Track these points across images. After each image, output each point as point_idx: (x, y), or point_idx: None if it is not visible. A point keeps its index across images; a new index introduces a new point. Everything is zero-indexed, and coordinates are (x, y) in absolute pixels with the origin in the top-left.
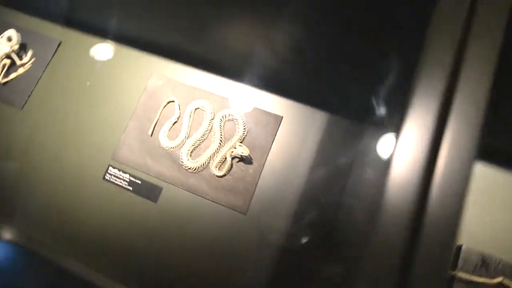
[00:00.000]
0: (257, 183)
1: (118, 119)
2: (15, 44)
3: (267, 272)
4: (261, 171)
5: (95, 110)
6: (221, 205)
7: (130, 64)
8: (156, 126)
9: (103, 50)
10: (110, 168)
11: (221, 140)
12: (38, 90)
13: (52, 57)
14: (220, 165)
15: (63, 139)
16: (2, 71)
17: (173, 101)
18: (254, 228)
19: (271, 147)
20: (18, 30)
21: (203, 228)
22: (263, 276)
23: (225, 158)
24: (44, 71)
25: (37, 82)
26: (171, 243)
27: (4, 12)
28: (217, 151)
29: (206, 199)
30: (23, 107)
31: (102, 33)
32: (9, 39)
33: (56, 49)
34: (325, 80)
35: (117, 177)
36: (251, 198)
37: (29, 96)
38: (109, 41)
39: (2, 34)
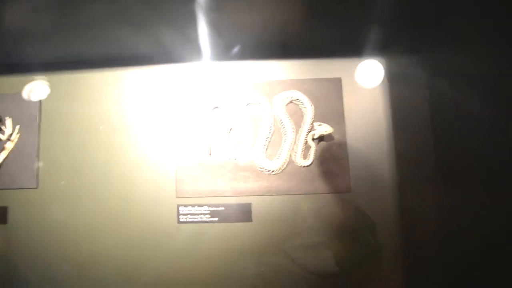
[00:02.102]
0: (347, 155)
1: (160, 152)
2: None
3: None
4: (346, 141)
5: (127, 154)
6: (323, 193)
7: (120, 85)
8: (209, 143)
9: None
10: (181, 208)
11: (293, 127)
12: (46, 158)
13: (40, 114)
14: (304, 154)
15: (110, 201)
16: None
17: (217, 108)
18: (361, 201)
19: (344, 114)
20: None
21: (315, 224)
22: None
23: (307, 145)
24: (39, 134)
25: (38, 148)
26: (291, 255)
27: None
28: (294, 140)
29: (305, 194)
30: (37, 185)
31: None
32: None
33: (40, 103)
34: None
35: (194, 214)
36: (349, 173)
37: (38, 169)
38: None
39: None
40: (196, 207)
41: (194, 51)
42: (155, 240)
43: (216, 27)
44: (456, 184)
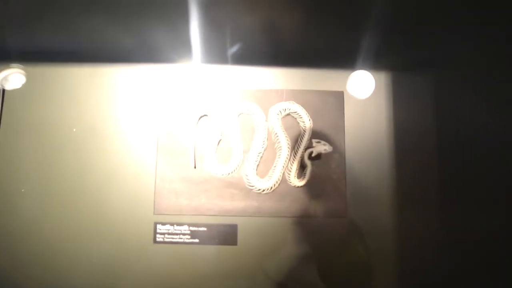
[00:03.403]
0: (345, 176)
1: (139, 160)
2: None
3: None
4: (345, 161)
5: (102, 161)
6: (316, 217)
7: (98, 82)
8: (194, 154)
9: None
10: (159, 226)
11: (288, 143)
12: (5, 160)
13: (1, 108)
14: (299, 173)
15: (79, 215)
16: None
17: (205, 116)
18: (358, 228)
19: (344, 131)
20: None
21: (306, 250)
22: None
23: (303, 163)
24: None
25: None
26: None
27: None
28: (288, 157)
29: (297, 217)
30: None
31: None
32: None
33: (2, 96)
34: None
35: (172, 234)
36: (346, 197)
37: None
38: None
39: None
40: (175, 225)
41: (183, 50)
42: (128, 260)
43: (211, 26)
44: (462, 209)
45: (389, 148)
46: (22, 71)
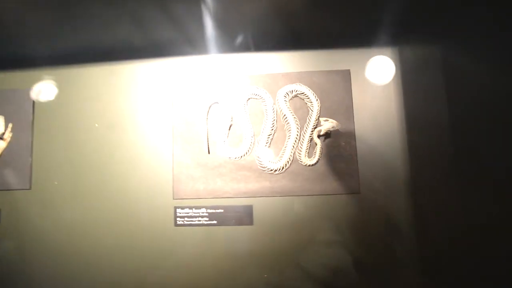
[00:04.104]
0: (356, 153)
1: (157, 150)
2: None
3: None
4: (355, 138)
5: (123, 153)
6: (330, 194)
7: (114, 80)
8: (207, 140)
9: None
10: (178, 210)
11: (297, 123)
12: (39, 157)
13: (33, 111)
14: (309, 152)
15: (105, 202)
16: None
17: (216, 103)
18: (372, 202)
19: (352, 109)
20: None
21: (321, 228)
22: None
23: (313, 142)
24: (32, 132)
25: (32, 148)
26: (304, 259)
27: None
28: (298, 137)
29: (310, 195)
30: (30, 186)
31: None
32: None
33: (33, 102)
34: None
35: (191, 216)
36: (358, 173)
37: (31, 170)
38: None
39: None
40: (193, 209)
41: (193, 43)
42: (151, 243)
43: (217, 17)
44: (474, 184)
45: (399, 123)
46: (53, 82)
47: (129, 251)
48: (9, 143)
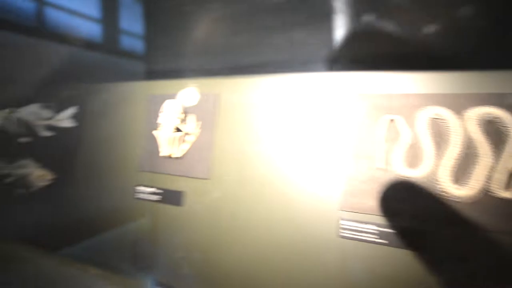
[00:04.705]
0: None
1: (326, 160)
2: (181, 113)
3: None
4: None
5: (294, 159)
6: None
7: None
8: (383, 156)
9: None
10: (344, 222)
11: (492, 150)
12: (219, 152)
13: (216, 113)
14: (508, 183)
15: (270, 201)
16: (178, 145)
17: (393, 119)
18: None
19: None
20: (163, 98)
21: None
22: None
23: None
24: (213, 130)
25: (213, 144)
26: None
27: (141, 86)
28: (492, 165)
29: (501, 232)
30: (209, 176)
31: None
32: (174, 110)
33: (216, 103)
34: None
35: (357, 231)
36: None
37: (209, 164)
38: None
39: (163, 107)
40: (362, 224)
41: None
42: (311, 250)
43: (359, 31)
44: None
45: None
46: (232, 89)
47: (293, 256)
48: (197, 138)
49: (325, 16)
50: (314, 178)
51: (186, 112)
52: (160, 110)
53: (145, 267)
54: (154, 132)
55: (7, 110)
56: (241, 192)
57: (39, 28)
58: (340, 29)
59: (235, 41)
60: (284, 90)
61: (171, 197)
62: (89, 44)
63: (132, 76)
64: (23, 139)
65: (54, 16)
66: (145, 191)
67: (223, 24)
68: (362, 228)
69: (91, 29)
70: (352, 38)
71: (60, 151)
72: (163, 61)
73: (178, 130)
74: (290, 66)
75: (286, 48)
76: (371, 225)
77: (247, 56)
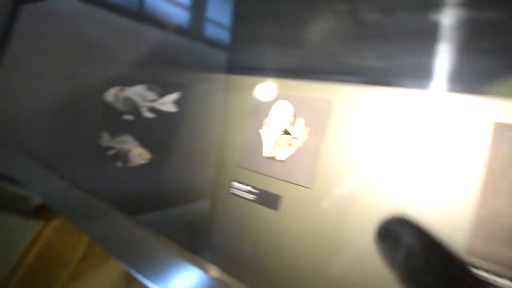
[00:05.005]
0: None
1: (454, 190)
2: (291, 116)
3: None
4: None
5: (419, 181)
6: None
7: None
8: None
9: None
10: (477, 270)
11: None
12: (326, 162)
13: (328, 121)
14: None
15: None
16: (283, 147)
17: None
18: None
19: None
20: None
21: None
22: None
23: None
24: (321, 139)
25: (320, 153)
26: None
27: (245, 80)
28: None
29: None
30: (311, 185)
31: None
32: (285, 111)
33: (328, 110)
34: None
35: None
36: None
37: (314, 173)
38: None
39: (273, 107)
40: (494, 276)
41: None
42: None
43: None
44: None
45: None
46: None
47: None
48: (303, 143)
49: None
50: (434, 208)
51: (295, 115)
52: (269, 109)
53: (228, 260)
54: (261, 131)
55: (118, 88)
56: (346, 209)
57: (139, 13)
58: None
59: (352, 45)
60: (407, 106)
61: (268, 200)
62: (178, 31)
63: (229, 69)
64: (127, 117)
65: (151, 1)
66: (241, 188)
67: (337, 24)
68: (498, 282)
69: (180, 16)
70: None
71: (160, 134)
72: (265, 57)
73: (286, 132)
74: (417, 80)
75: (414, 62)
76: (507, 280)
77: (364, 61)
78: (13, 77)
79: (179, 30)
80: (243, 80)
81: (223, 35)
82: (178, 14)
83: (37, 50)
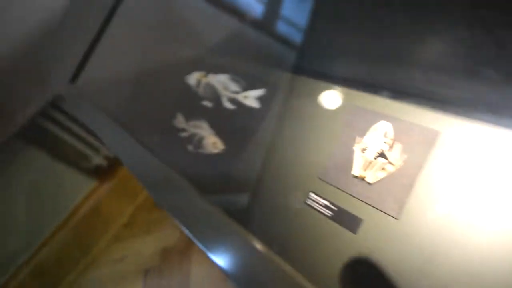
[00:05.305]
0: None
1: None
2: (391, 139)
3: None
4: None
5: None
6: None
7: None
8: None
9: None
10: None
11: None
12: (419, 196)
13: (430, 154)
14: None
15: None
16: (375, 170)
17: None
18: None
19: None
20: (369, 114)
21: None
22: None
23: None
24: (418, 171)
25: (414, 185)
26: None
27: (338, 91)
28: None
29: None
30: (398, 216)
31: None
32: (386, 134)
33: (433, 142)
34: None
35: None
36: None
37: (404, 203)
38: None
39: (374, 127)
40: None
41: None
42: None
43: None
44: None
45: None
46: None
47: None
48: (396, 170)
49: None
50: None
51: (394, 139)
52: (367, 127)
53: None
54: (355, 148)
55: (202, 73)
56: (431, 251)
57: (225, 3)
58: None
59: (469, 75)
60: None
61: (346, 220)
62: (254, 25)
63: (308, 73)
64: (206, 103)
65: None
66: (319, 201)
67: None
68: None
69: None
70: None
71: (237, 127)
72: (354, 68)
73: (382, 155)
74: None
75: None
76: None
77: (481, 95)
78: (114, 43)
79: (256, 24)
80: (337, 90)
81: (297, 36)
82: (256, 8)
83: (137, 24)
